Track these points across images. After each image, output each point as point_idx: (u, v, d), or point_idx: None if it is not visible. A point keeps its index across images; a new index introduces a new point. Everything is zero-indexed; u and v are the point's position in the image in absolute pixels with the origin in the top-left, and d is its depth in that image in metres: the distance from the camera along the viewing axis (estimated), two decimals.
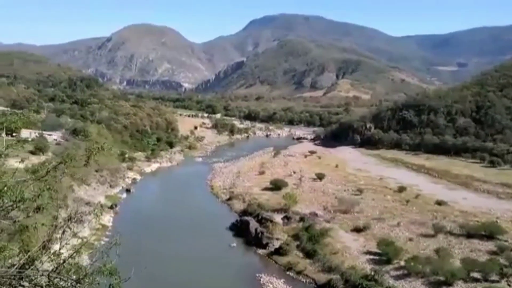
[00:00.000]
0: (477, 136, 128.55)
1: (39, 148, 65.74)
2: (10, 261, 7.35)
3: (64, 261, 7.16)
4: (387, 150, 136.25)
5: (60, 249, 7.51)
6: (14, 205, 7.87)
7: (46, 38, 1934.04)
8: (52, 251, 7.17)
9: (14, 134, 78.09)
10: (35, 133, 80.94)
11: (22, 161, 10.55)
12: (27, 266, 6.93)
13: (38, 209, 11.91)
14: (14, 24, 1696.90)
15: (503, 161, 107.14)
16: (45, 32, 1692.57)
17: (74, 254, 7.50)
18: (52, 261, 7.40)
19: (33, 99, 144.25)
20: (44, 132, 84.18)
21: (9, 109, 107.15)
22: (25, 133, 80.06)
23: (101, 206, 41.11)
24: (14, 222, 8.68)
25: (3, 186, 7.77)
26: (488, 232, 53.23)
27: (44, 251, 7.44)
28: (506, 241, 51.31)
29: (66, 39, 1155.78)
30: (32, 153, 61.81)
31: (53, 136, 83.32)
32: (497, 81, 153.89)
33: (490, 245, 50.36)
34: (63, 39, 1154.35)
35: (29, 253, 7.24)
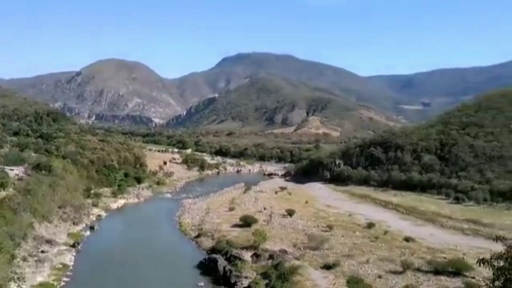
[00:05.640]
0: (442, 173, 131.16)
1: None
2: None
3: None
4: (356, 186, 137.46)
5: None
6: None
7: (14, 72, 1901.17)
8: None
9: None
10: None
11: None
12: None
13: None
14: None
15: (467, 198, 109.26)
16: (13, 65, 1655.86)
17: None
18: None
19: None
20: (5, 167, 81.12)
21: None
22: None
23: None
24: None
25: None
26: (455, 269, 53.39)
27: None
28: (473, 277, 51.53)
29: (35, 73, 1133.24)
30: None
31: (15, 171, 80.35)
32: (459, 120, 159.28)
33: (457, 282, 50.43)
34: (31, 73, 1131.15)
35: None
